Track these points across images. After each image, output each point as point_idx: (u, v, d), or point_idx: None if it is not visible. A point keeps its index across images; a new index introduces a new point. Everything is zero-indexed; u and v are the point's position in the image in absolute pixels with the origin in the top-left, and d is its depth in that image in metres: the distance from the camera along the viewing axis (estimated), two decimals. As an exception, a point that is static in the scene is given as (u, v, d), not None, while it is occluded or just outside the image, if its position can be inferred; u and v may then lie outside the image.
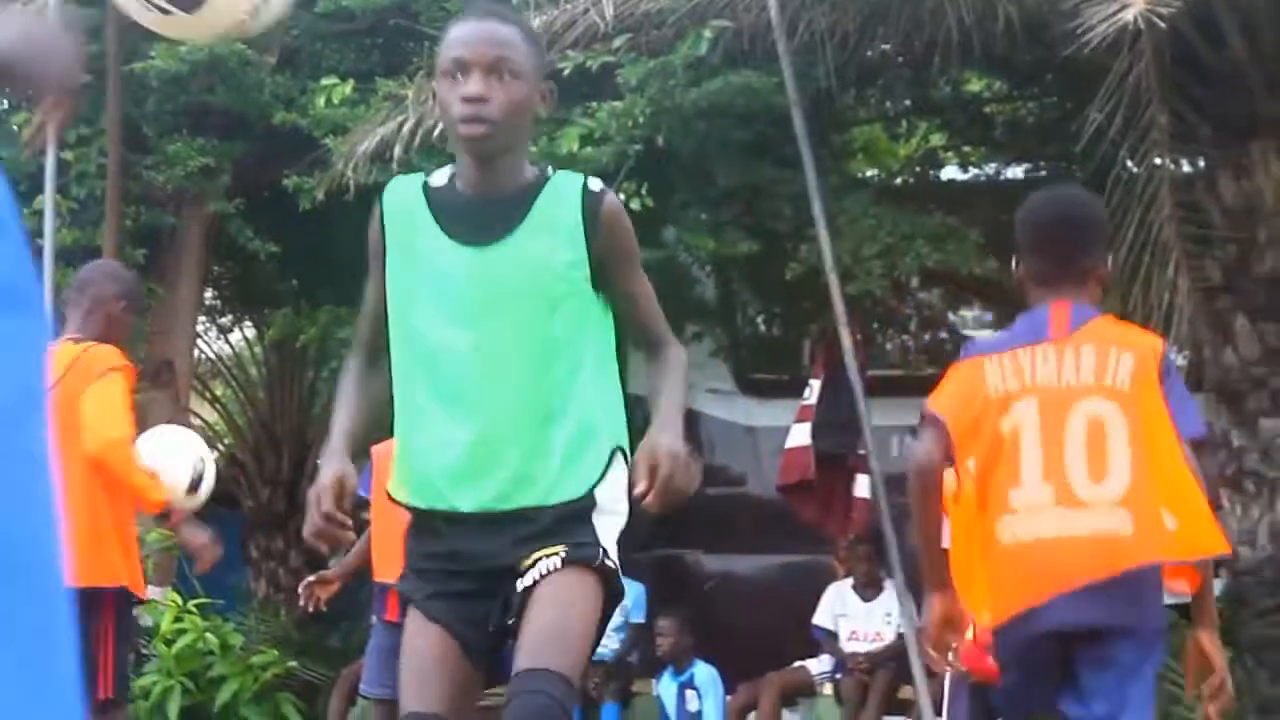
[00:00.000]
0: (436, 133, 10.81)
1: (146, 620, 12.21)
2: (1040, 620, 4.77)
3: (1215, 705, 5.08)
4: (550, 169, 3.99)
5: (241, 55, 12.39)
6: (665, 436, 3.74)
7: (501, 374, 3.86)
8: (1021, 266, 5.15)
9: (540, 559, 3.76)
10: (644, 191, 11.77)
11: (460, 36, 3.84)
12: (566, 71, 11.27)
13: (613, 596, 3.86)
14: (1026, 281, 5.14)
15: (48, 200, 11.70)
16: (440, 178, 3.98)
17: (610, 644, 12.04)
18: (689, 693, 11.52)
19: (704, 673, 11.57)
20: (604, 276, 3.91)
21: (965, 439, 4.93)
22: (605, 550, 3.84)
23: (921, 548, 5.15)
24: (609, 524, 3.88)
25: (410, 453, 3.95)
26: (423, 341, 3.90)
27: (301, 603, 8.64)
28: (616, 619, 11.98)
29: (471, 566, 3.86)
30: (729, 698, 11.62)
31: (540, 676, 3.61)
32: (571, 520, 3.83)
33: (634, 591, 12.18)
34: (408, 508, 3.97)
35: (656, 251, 12.41)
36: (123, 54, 12.47)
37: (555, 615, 3.70)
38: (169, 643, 11.90)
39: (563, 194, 3.88)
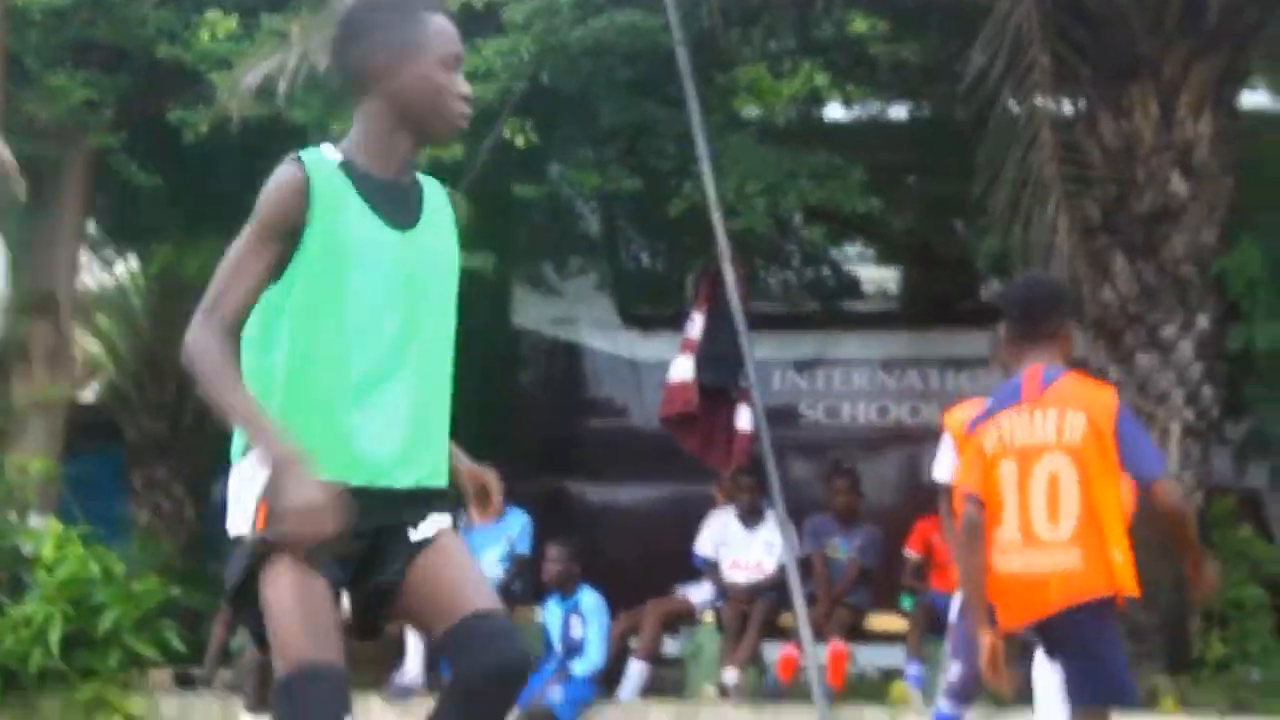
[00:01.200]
0: (322, 69, 10.70)
1: (28, 548, 12.10)
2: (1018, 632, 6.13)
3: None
4: None
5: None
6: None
7: (428, 355, 3.98)
8: (1004, 333, 6.53)
9: (431, 520, 3.96)
10: (528, 128, 11.69)
11: (451, 33, 4.06)
12: (454, 9, 11.16)
13: None
14: (1008, 346, 6.46)
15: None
16: (339, 154, 4.00)
17: (495, 572, 12.04)
18: (573, 619, 11.50)
19: (589, 599, 11.56)
20: None
21: (985, 493, 6.17)
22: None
23: (972, 594, 6.41)
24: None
25: (344, 432, 3.87)
26: (355, 320, 3.88)
27: None
28: (502, 548, 11.99)
29: (368, 529, 3.87)
30: (612, 624, 11.62)
31: (507, 622, 3.82)
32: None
33: (520, 521, 12.17)
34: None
35: (541, 187, 12.37)
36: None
37: (474, 567, 3.96)
38: (50, 570, 11.75)
39: (434, 190, 4.15)
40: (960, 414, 7.45)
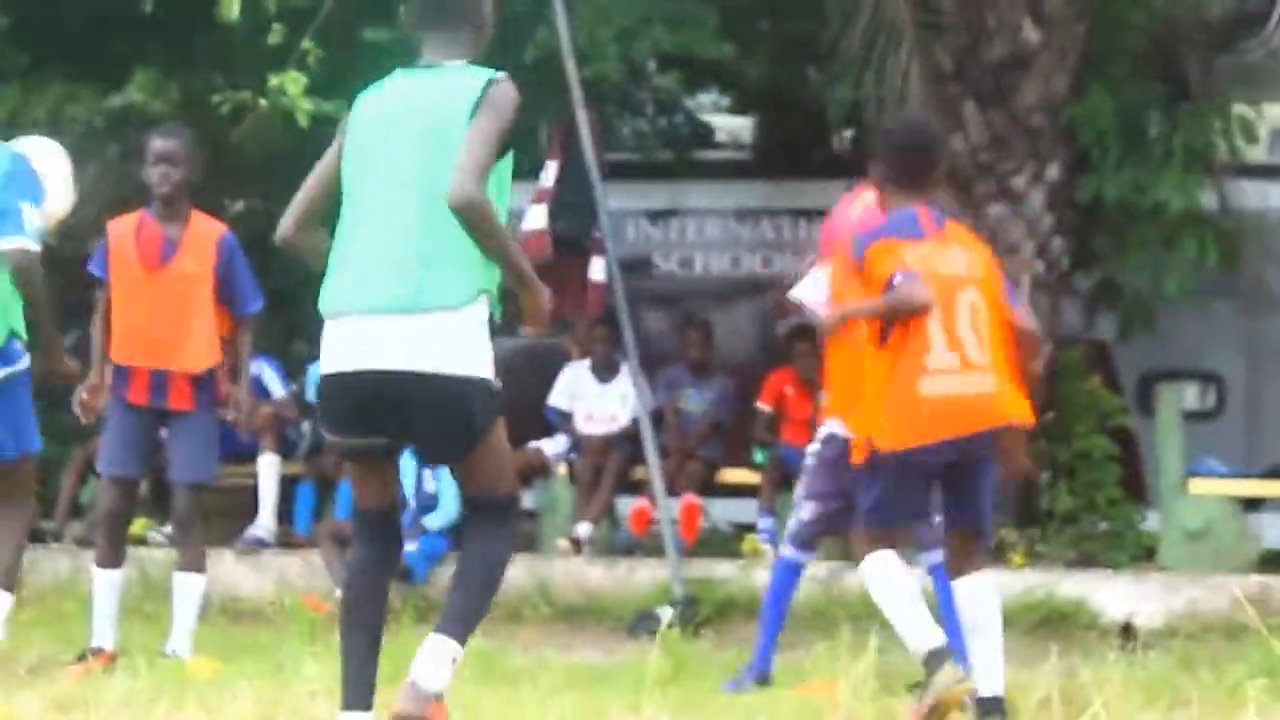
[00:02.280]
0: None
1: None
2: (932, 453, 6.16)
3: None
4: None
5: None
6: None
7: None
8: (880, 172, 6.51)
9: None
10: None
11: None
12: None
13: None
14: (886, 185, 6.48)
15: None
16: None
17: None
18: (426, 473, 11.36)
19: (441, 455, 11.41)
20: None
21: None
22: None
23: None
24: None
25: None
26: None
27: (83, 420, 8.30)
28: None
29: None
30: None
31: None
32: None
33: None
34: None
35: (389, 33, 12.06)
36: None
37: None
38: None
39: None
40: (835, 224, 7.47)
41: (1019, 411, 6.28)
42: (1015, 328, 6.42)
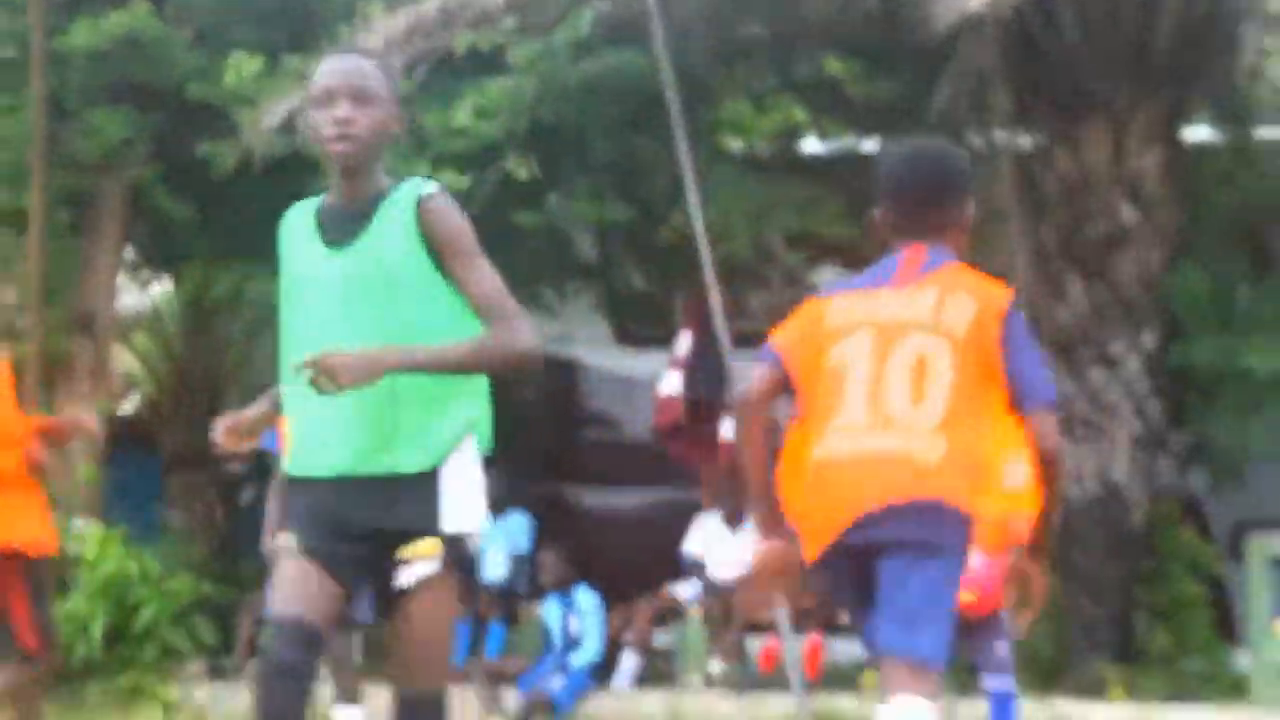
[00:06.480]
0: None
1: (73, 549, 12.05)
2: (850, 542, 4.27)
3: (1026, 616, 4.48)
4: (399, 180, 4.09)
5: (158, 32, 12.22)
6: (375, 350, 3.80)
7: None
8: (879, 214, 4.64)
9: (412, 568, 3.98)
10: (530, 162, 11.66)
11: (325, 70, 4.08)
12: (460, 50, 11.13)
13: None
14: (883, 229, 4.63)
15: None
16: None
17: (499, 571, 12.00)
18: (571, 616, 11.47)
19: (585, 598, 11.51)
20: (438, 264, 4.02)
21: (806, 375, 4.51)
22: None
23: (750, 485, 4.59)
24: None
25: (294, 433, 4.12)
26: (288, 332, 4.07)
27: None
28: (505, 548, 11.96)
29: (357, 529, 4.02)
30: (607, 619, 11.58)
31: (432, 701, 4.02)
32: None
33: (521, 523, 12.13)
34: None
35: (540, 216, 12.32)
36: (46, 29, 12.23)
37: (428, 635, 4.06)
38: (93, 569, 11.76)
39: (399, 196, 4.03)
40: None
41: (968, 494, 4.28)
42: (1034, 434, 4.29)
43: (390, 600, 3.87)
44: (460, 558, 3.89)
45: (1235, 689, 10.99)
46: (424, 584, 3.84)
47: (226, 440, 4.05)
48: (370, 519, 3.86)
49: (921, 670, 4.13)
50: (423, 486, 3.87)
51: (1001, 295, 4.41)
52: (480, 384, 4.04)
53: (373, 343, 3.83)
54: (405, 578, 3.85)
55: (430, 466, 3.88)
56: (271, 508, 8.51)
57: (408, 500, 3.86)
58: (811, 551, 4.36)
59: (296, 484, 3.97)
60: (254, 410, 4.15)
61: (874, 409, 4.32)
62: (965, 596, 4.74)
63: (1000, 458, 4.54)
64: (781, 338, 4.58)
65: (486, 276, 4.02)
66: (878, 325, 4.40)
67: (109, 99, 12.77)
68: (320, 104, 4.01)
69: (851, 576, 4.31)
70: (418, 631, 3.85)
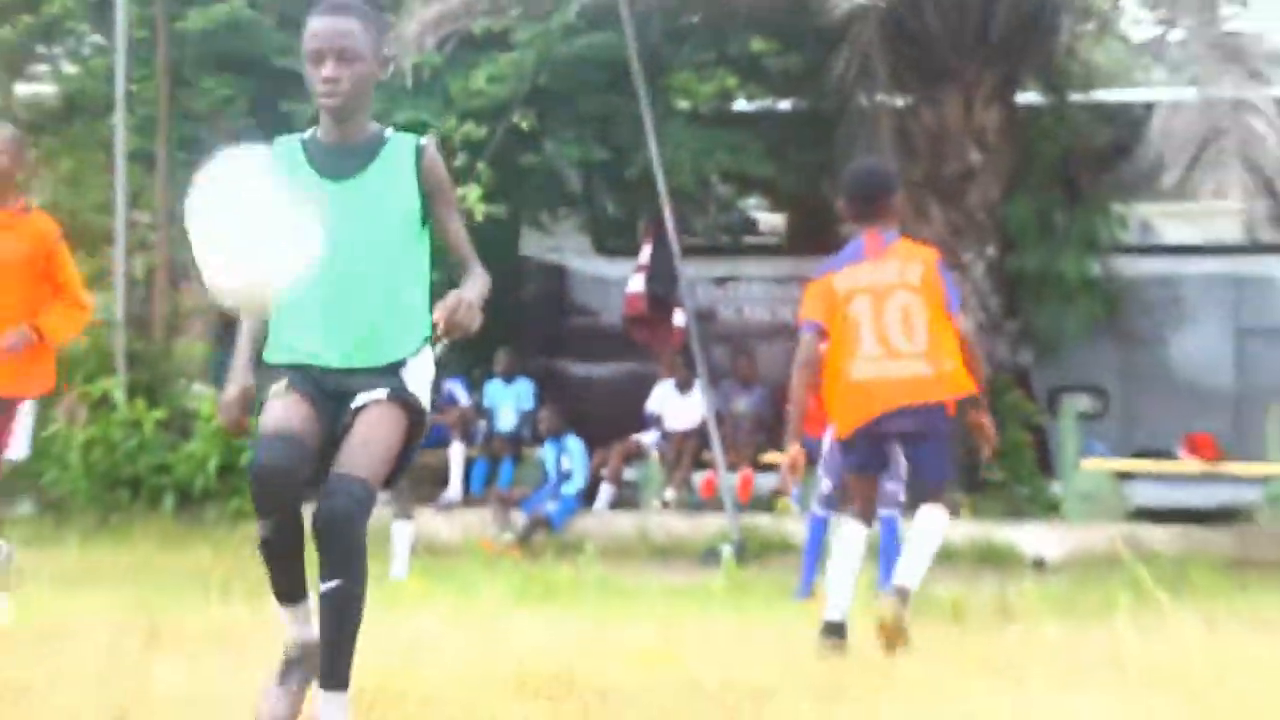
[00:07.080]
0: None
1: (193, 406, 11.97)
2: (874, 427, 5.34)
3: (988, 449, 5.61)
4: (389, 129, 3.71)
5: (251, 16, 12.24)
6: (464, 290, 3.50)
7: (354, 267, 3.61)
8: (843, 207, 5.51)
9: (367, 392, 3.57)
10: (531, 116, 11.57)
11: (313, 30, 3.65)
12: (478, 31, 11.01)
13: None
14: (847, 217, 5.54)
15: (119, 118, 11.45)
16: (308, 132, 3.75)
17: (510, 422, 12.00)
18: (563, 456, 11.46)
19: (574, 443, 11.48)
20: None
21: (830, 325, 5.40)
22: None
23: (792, 409, 5.54)
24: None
25: (288, 331, 3.64)
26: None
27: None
28: (514, 404, 11.96)
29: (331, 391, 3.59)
30: (589, 459, 11.58)
31: (346, 483, 3.42)
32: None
33: (527, 388, 12.12)
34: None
35: (539, 158, 12.23)
36: (167, 15, 12.23)
37: (370, 435, 3.52)
38: (207, 421, 11.63)
39: (399, 144, 3.65)
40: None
41: (957, 389, 5.31)
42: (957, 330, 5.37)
43: (348, 423, 3.53)
44: (408, 404, 3.56)
45: (1052, 509, 11.10)
46: (374, 402, 3.53)
47: (241, 419, 3.59)
48: (346, 387, 3.54)
49: (938, 494, 5.35)
50: (391, 374, 3.56)
51: (933, 254, 5.46)
52: (426, 297, 3.69)
53: (358, 265, 3.55)
54: (360, 399, 3.53)
55: (400, 359, 3.58)
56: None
57: (378, 379, 3.55)
58: (844, 432, 5.46)
59: (284, 366, 3.60)
60: (249, 375, 3.63)
61: (883, 345, 5.31)
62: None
63: (954, 354, 5.35)
64: (812, 310, 5.43)
65: (459, 224, 3.73)
66: (872, 290, 5.33)
67: (215, 68, 12.70)
68: (312, 62, 3.61)
69: (871, 447, 5.41)
70: (358, 432, 3.48)
